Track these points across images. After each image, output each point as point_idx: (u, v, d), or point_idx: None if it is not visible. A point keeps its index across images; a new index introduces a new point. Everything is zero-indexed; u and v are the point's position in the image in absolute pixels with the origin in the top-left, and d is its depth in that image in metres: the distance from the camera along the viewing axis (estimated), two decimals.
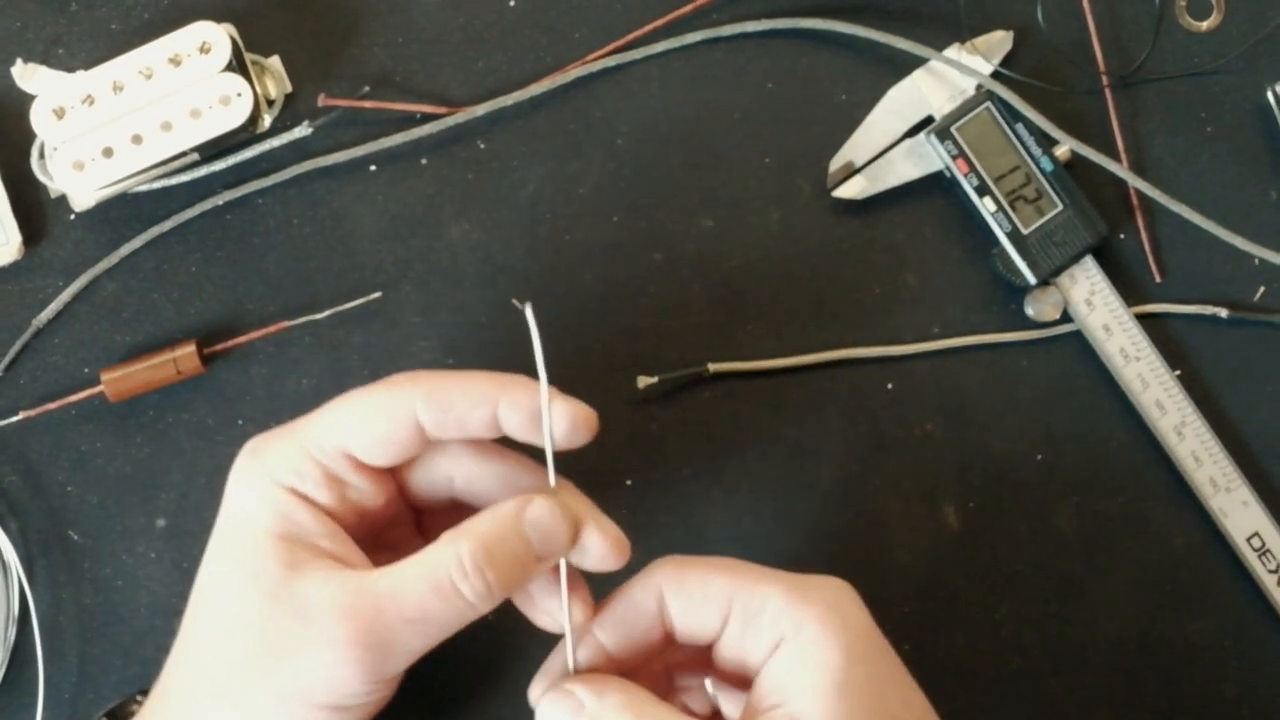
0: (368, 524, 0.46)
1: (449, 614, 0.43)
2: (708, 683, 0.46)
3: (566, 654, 0.45)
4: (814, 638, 0.42)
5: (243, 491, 0.45)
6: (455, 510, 0.47)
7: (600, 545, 0.45)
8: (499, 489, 0.47)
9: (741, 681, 0.45)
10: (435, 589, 0.43)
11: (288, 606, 0.43)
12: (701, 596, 0.44)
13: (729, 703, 0.47)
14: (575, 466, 0.46)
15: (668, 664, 0.47)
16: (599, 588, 0.47)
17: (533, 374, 0.45)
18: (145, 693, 0.49)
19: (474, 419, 0.44)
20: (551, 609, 0.46)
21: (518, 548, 0.44)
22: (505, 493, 0.46)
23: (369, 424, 0.44)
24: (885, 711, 0.43)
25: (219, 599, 0.44)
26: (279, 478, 0.44)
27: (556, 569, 0.46)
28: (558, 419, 0.44)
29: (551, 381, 0.45)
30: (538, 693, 0.45)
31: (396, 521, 0.48)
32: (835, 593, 0.44)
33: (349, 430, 0.45)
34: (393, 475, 0.47)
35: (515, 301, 0.44)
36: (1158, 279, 0.57)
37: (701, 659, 0.46)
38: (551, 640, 0.47)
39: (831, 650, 0.42)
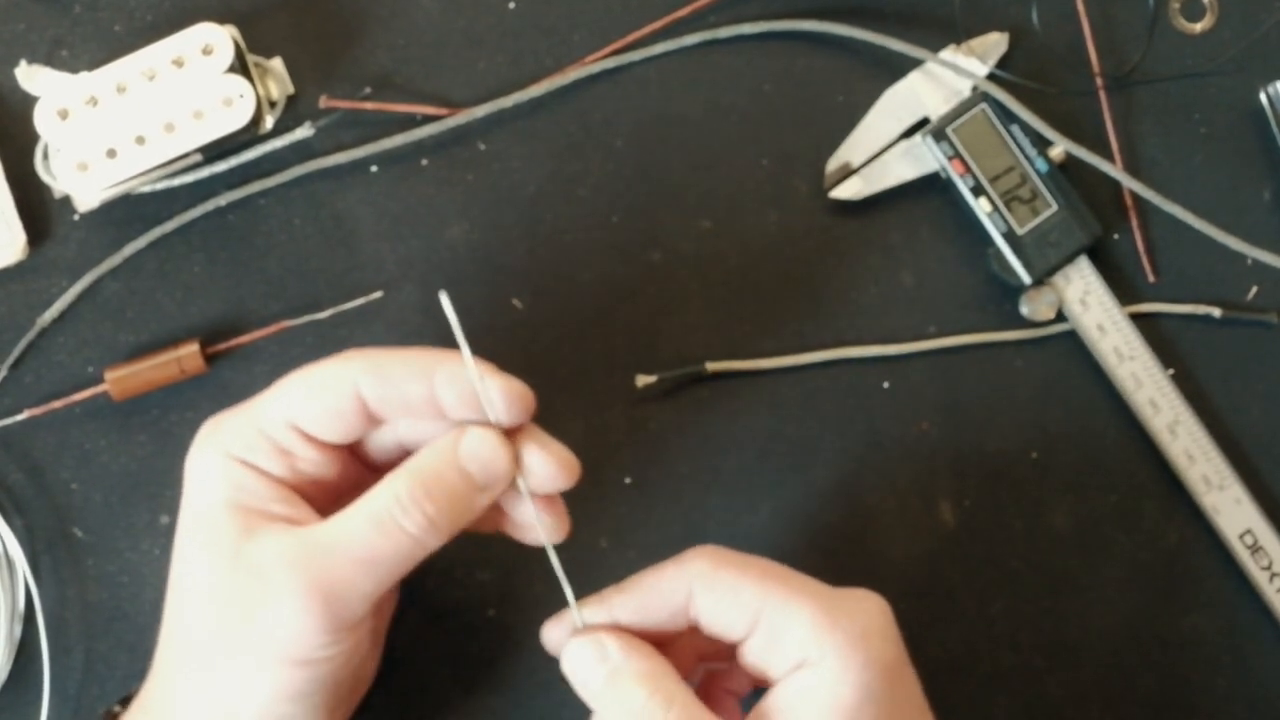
0: (327, 491, 0.47)
1: (395, 551, 0.44)
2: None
3: (569, 603, 0.45)
4: (833, 670, 0.42)
5: (198, 466, 0.46)
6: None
7: (545, 464, 0.45)
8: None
9: (764, 682, 0.45)
10: (378, 527, 0.44)
11: (245, 568, 0.44)
12: (730, 602, 0.44)
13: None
14: None
15: (698, 649, 0.47)
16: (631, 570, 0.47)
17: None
18: (125, 701, 0.50)
19: (413, 393, 0.45)
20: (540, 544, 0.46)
21: (454, 478, 0.44)
22: None
23: (313, 398, 0.45)
24: None
25: (187, 572, 0.45)
26: (231, 450, 0.45)
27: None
28: (494, 393, 0.45)
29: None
30: (557, 634, 0.45)
31: (358, 485, 0.48)
32: (866, 621, 0.43)
33: (295, 404, 0.45)
34: (347, 448, 0.47)
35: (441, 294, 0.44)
36: (1151, 279, 0.57)
37: (729, 650, 0.46)
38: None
39: (848, 687, 0.42)
